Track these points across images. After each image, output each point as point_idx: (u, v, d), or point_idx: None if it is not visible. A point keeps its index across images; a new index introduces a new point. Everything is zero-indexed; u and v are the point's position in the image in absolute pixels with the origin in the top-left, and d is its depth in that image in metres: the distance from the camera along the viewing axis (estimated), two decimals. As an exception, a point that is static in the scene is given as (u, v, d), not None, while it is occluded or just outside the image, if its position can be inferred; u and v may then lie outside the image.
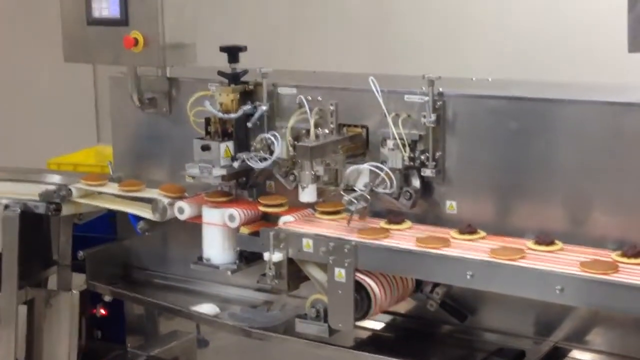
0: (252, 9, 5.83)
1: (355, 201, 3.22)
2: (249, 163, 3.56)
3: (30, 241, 4.12)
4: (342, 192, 3.32)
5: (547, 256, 2.96)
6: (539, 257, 2.95)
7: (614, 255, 2.92)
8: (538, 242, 3.04)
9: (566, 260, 2.91)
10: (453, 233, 3.19)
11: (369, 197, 3.24)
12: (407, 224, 3.31)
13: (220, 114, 3.59)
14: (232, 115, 3.60)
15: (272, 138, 3.53)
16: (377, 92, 3.31)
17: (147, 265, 4.26)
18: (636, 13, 2.99)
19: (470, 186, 3.29)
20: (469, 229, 3.18)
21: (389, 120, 3.31)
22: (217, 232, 3.63)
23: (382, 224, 3.31)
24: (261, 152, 3.56)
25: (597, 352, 3.20)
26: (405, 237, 3.18)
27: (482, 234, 3.18)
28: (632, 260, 2.86)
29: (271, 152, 3.53)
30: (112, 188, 3.98)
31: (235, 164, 3.58)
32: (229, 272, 3.62)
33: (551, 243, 3.03)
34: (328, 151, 3.40)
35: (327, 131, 3.45)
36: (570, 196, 3.12)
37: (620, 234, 3.02)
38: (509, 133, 3.19)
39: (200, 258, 3.67)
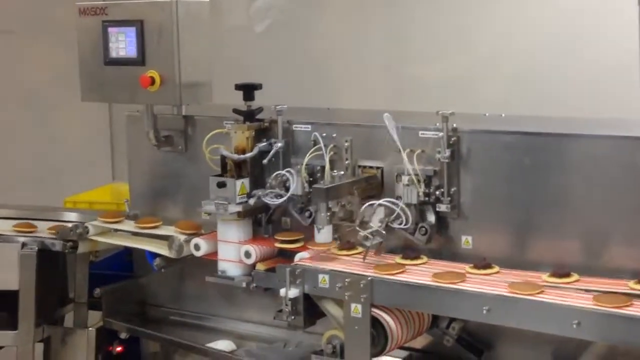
0: (267, 46, 5.88)
1: (371, 237, 3.24)
2: (264, 200, 3.59)
3: (47, 279, 4.13)
4: (357, 228, 3.33)
5: (564, 288, 2.96)
6: (556, 292, 2.94)
7: (631, 284, 2.92)
8: (554, 275, 3.04)
9: (583, 294, 2.91)
10: (468, 268, 3.19)
11: (384, 232, 3.26)
12: (423, 259, 3.32)
13: (235, 156, 3.62)
14: (247, 155, 3.63)
15: (288, 175, 3.56)
16: (392, 128, 3.34)
17: (163, 302, 4.27)
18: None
19: (485, 221, 3.31)
20: (483, 264, 3.18)
21: (404, 156, 3.33)
22: (233, 245, 3.63)
23: (398, 259, 3.32)
24: (277, 188, 3.58)
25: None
26: (421, 273, 3.18)
27: (497, 268, 3.19)
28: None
29: (287, 189, 3.56)
30: (129, 225, 4.01)
31: (251, 201, 3.61)
32: (244, 284, 3.62)
33: (567, 275, 3.04)
34: (343, 192, 3.42)
35: (342, 172, 3.46)
36: (585, 229, 3.12)
37: (636, 265, 3.02)
38: (523, 168, 3.21)
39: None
